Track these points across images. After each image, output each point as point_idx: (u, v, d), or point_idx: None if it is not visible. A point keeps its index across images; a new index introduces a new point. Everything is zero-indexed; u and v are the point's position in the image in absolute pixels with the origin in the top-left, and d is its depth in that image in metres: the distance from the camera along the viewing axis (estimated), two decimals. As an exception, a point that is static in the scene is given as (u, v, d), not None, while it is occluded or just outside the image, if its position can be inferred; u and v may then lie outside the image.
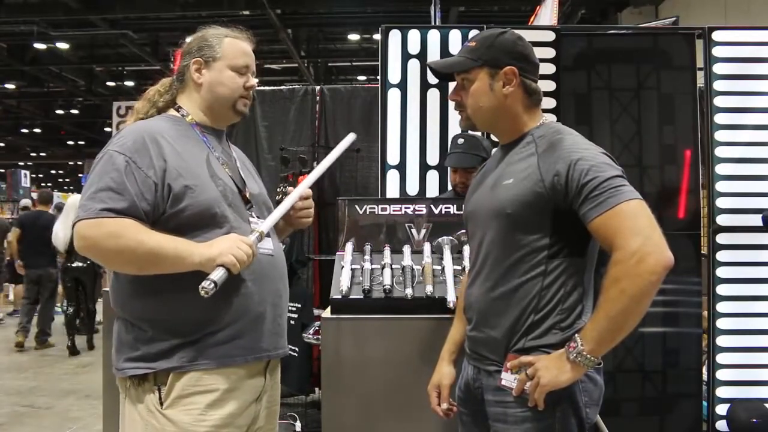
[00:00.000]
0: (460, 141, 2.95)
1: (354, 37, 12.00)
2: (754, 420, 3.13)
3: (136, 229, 1.44)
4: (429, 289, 2.16)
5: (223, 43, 1.66)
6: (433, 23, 5.51)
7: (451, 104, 1.64)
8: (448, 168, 3.07)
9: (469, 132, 2.83)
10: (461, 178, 2.93)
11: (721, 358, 3.24)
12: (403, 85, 3.32)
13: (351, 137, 1.95)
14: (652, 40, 3.38)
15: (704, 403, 3.31)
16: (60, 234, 6.37)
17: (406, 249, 2.41)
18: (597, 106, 3.33)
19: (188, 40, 1.71)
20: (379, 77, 3.36)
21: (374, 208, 2.56)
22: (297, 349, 3.64)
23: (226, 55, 1.65)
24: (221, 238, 1.48)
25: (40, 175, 30.60)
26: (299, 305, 3.76)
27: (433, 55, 3.31)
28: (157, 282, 1.48)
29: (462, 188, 2.88)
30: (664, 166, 3.30)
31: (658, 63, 3.32)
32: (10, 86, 15.33)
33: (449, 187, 3.20)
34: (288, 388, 3.70)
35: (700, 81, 3.35)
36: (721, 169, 3.26)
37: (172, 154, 1.52)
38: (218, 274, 1.41)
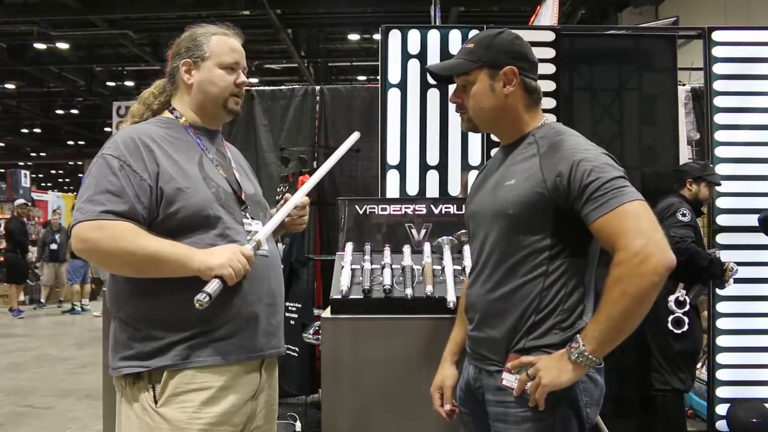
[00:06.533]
0: None
1: (354, 37, 11.99)
2: (754, 420, 3.13)
3: (136, 232, 1.44)
4: (429, 289, 2.16)
5: (210, 42, 1.64)
6: (433, 23, 5.51)
7: (452, 105, 1.64)
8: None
9: None
10: None
11: (721, 358, 3.24)
12: (403, 85, 3.32)
13: (355, 136, 1.95)
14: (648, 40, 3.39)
15: (704, 403, 3.31)
16: None
17: (406, 249, 2.41)
18: (594, 106, 3.33)
19: (177, 41, 1.69)
20: (379, 77, 3.35)
21: (374, 208, 2.56)
22: (297, 349, 3.64)
23: (214, 54, 1.63)
24: (222, 248, 1.48)
25: (40, 175, 30.52)
26: (299, 305, 3.75)
27: (433, 54, 3.31)
28: (152, 282, 1.48)
29: None
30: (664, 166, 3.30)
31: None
32: (10, 86, 15.32)
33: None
34: (288, 388, 3.69)
35: (700, 81, 3.36)
36: (720, 169, 3.26)
37: (164, 158, 1.52)
38: (213, 287, 1.41)
